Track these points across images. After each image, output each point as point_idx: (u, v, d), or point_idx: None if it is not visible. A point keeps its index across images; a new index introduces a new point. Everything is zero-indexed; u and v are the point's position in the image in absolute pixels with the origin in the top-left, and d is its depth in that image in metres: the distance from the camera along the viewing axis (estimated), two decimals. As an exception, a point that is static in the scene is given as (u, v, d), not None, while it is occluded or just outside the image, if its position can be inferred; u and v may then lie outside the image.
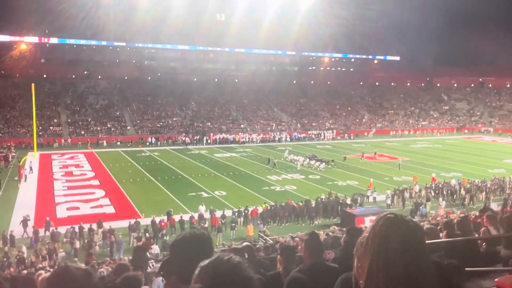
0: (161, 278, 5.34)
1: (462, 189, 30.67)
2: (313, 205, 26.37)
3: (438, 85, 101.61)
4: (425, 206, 27.23)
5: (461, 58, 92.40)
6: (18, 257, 18.61)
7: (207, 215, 24.61)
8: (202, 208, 25.08)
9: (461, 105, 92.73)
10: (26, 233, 22.36)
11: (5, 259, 18.22)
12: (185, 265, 1.59)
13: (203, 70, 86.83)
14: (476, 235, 5.80)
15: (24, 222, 22.84)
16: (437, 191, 30.85)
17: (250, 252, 5.23)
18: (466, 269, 2.97)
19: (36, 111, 49.47)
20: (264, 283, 3.70)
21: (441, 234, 5.59)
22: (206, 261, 1.34)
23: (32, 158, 42.90)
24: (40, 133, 54.47)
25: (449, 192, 30.81)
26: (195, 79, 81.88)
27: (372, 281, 1.31)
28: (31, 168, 37.43)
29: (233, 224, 23.76)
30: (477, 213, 10.36)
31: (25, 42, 72.29)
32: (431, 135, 74.87)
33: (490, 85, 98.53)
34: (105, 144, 55.14)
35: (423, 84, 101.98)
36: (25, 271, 14.31)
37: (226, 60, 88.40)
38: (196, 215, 24.38)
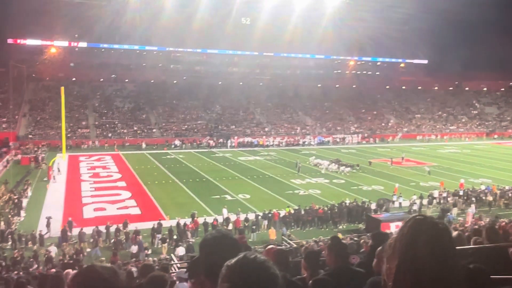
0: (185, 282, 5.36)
1: (489, 195, 29.99)
2: (336, 210, 26.17)
3: (467, 89, 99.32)
4: (451, 212, 26.70)
5: (491, 62, 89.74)
6: (46, 256, 19.06)
7: (232, 217, 24.72)
8: (225, 211, 25.24)
9: (491, 109, 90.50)
10: (49, 233, 22.89)
11: (31, 259, 18.66)
12: (214, 264, 1.60)
13: (228, 74, 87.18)
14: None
15: (48, 223, 23.42)
16: (465, 197, 30.15)
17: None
18: (495, 276, 2.91)
19: (65, 114, 50.59)
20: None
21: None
22: (232, 260, 1.35)
23: (60, 160, 43.83)
24: (69, 135, 55.65)
25: (481, 198, 30.10)
26: (220, 83, 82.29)
27: (400, 282, 1.30)
28: (58, 169, 38.28)
29: (254, 227, 23.74)
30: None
31: (55, 46, 74.03)
32: (459, 140, 73.24)
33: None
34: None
35: (451, 88, 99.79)
36: (53, 270, 14.63)
37: (250, 63, 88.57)
38: (220, 218, 24.49)
